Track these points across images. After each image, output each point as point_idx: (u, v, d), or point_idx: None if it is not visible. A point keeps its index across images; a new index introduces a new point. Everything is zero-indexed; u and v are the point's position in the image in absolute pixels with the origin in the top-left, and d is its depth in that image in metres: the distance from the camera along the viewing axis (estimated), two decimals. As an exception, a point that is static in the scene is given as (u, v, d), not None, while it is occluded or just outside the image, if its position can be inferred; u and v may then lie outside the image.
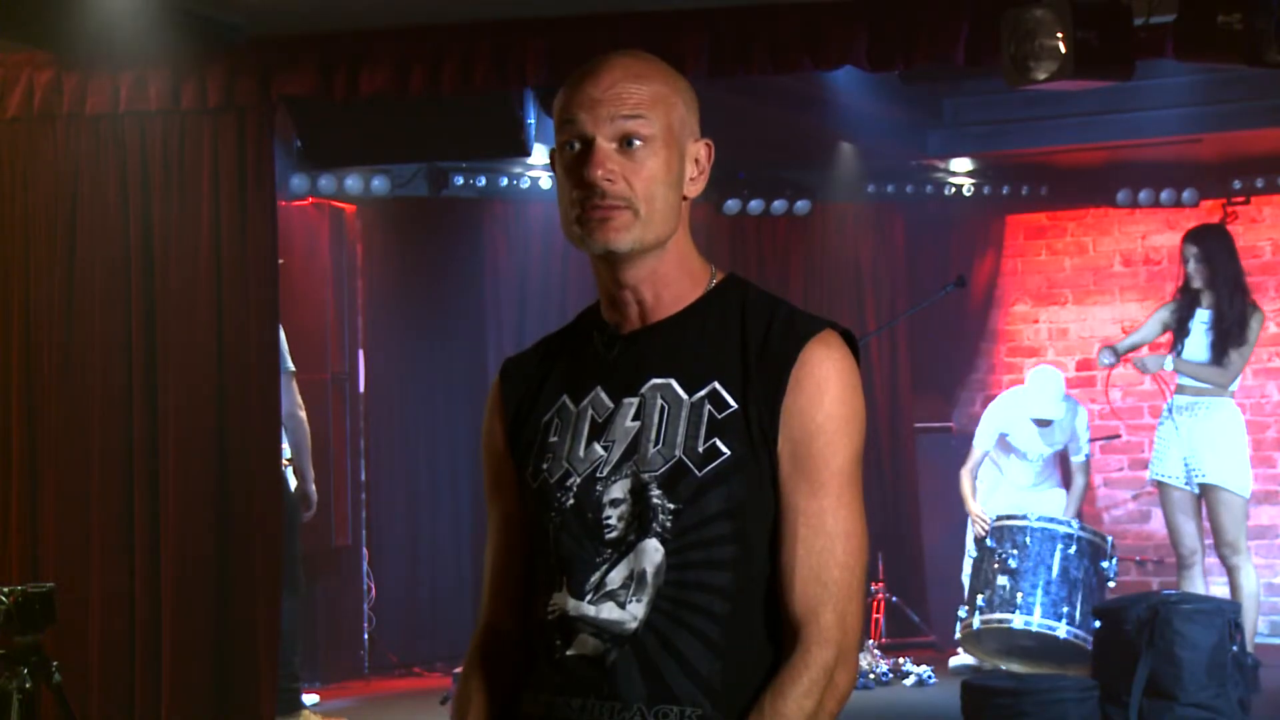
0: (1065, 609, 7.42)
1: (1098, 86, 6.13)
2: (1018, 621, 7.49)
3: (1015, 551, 7.57)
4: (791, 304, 2.13)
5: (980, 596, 7.64)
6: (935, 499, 9.06)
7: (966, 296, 9.80)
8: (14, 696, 4.62)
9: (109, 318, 6.41)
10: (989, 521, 7.84)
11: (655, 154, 2.07)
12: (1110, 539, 7.83)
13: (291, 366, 7.43)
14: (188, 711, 6.29)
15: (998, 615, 7.53)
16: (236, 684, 6.33)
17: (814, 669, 1.99)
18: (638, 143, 2.06)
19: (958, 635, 7.81)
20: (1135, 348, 7.76)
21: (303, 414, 7.48)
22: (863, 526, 2.05)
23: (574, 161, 2.07)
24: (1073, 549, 7.54)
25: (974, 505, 8.12)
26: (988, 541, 7.72)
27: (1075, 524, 7.71)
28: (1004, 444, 8.39)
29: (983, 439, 8.35)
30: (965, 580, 8.22)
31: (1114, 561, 7.66)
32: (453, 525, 9.18)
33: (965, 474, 8.31)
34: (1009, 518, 7.75)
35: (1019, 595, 7.49)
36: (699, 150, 2.13)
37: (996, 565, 7.60)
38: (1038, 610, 7.44)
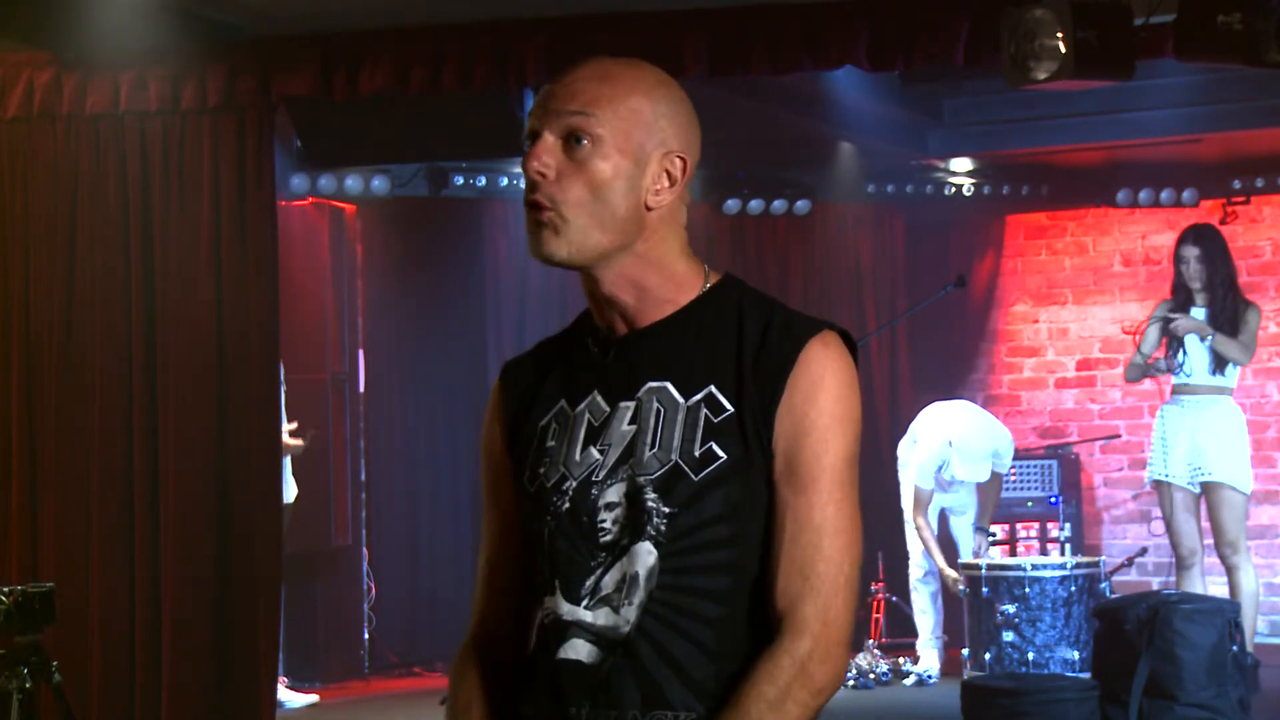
0: (1077, 652, 7.31)
1: (1098, 86, 6.13)
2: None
3: (1016, 604, 7.37)
4: (788, 306, 2.09)
5: (986, 653, 7.41)
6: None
7: (966, 296, 9.80)
8: (14, 696, 4.62)
9: (109, 318, 6.41)
10: (961, 579, 7.69)
11: (604, 157, 1.99)
12: (1102, 560, 7.77)
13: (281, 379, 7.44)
14: (188, 711, 6.29)
15: (1011, 673, 7.25)
16: (236, 684, 6.33)
17: (781, 658, 1.95)
18: (584, 141, 1.99)
19: (965, 676, 7.27)
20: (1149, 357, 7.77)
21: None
22: (854, 525, 2.00)
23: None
24: (1073, 588, 7.41)
25: (948, 568, 7.93)
26: (983, 590, 7.48)
27: (1070, 563, 7.53)
28: (939, 480, 8.13)
29: (924, 478, 8.04)
30: (921, 617, 8.11)
31: (1109, 581, 7.59)
32: (453, 525, 9.19)
33: (922, 524, 8.01)
34: (1002, 567, 7.54)
35: (1030, 654, 7.34)
36: (670, 162, 2.04)
37: (1000, 620, 7.39)
38: (1053, 665, 7.31)
